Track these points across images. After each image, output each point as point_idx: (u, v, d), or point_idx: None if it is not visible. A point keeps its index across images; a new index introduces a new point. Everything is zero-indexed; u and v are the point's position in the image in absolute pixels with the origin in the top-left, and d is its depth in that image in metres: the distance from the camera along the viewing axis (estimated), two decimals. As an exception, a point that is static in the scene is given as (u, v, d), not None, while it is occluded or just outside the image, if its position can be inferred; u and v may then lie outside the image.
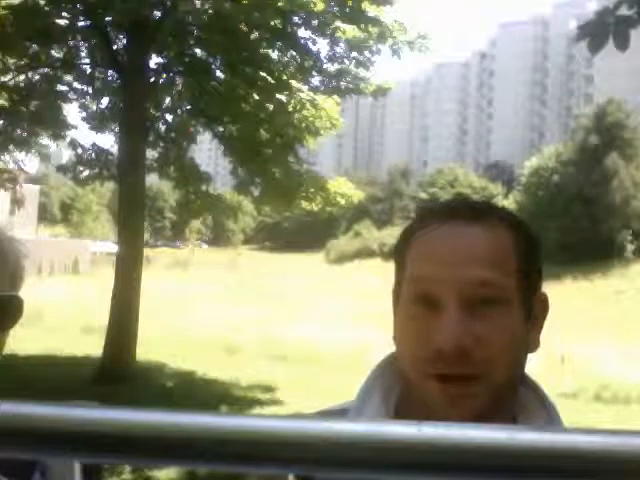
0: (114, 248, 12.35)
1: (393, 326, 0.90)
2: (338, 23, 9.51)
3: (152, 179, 14.58)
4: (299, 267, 50.62)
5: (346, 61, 10.20)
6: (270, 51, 10.12)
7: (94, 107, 11.41)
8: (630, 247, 45.76)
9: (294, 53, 10.20)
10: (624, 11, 3.92)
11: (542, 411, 0.89)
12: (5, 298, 0.98)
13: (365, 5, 9.28)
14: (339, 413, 0.94)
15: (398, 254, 0.90)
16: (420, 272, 0.83)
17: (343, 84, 10.41)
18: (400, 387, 0.92)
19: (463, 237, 0.84)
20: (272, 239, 79.61)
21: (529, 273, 0.86)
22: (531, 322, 0.86)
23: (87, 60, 10.85)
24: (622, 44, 3.77)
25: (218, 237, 78.64)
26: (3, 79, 10.43)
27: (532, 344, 0.87)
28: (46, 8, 9.07)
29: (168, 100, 11.32)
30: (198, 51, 10.58)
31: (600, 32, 3.79)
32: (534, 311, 0.87)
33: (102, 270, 29.70)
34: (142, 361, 10.22)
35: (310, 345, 13.65)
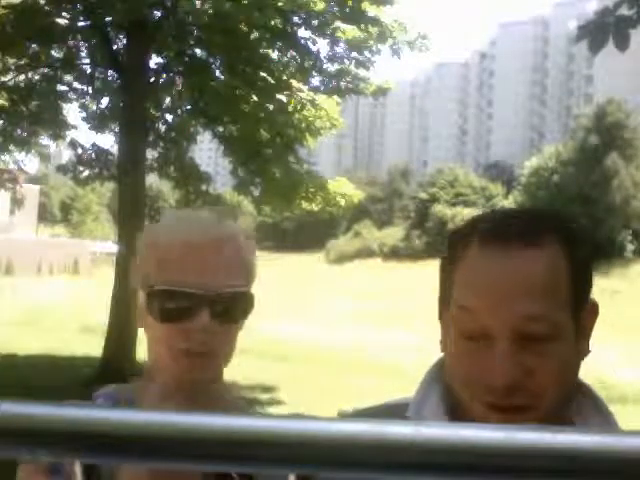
0: (114, 248, 12.34)
1: (441, 332, 0.89)
2: (338, 23, 9.51)
3: (152, 179, 14.58)
4: (299, 267, 50.61)
5: (346, 61, 10.20)
6: (270, 51, 10.12)
7: (94, 107, 11.41)
8: (630, 247, 45.74)
9: (294, 53, 10.20)
10: (624, 11, 3.92)
11: (598, 417, 0.87)
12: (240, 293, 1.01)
13: (365, 5, 9.28)
14: (398, 408, 0.94)
15: (449, 260, 0.86)
16: (471, 303, 0.81)
17: (343, 84, 10.41)
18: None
19: (517, 267, 0.80)
20: (272, 239, 79.59)
21: (583, 294, 0.84)
22: (580, 331, 0.85)
23: (87, 60, 10.85)
24: (622, 44, 3.77)
25: (218, 237, 78.56)
26: (3, 79, 10.43)
27: (582, 352, 0.87)
28: (46, 8, 9.07)
29: (168, 100, 11.32)
30: (198, 51, 10.58)
31: (600, 32, 3.79)
32: (584, 321, 0.86)
33: (102, 270, 29.69)
34: (142, 361, 10.22)
35: (310, 345, 13.65)
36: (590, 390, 0.91)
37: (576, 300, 0.83)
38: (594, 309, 0.88)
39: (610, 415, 0.88)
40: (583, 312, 0.84)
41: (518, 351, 0.78)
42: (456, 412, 0.89)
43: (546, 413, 0.79)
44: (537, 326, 0.79)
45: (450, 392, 0.90)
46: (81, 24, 10.03)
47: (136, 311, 1.04)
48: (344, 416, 0.96)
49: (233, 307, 1.01)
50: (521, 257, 0.80)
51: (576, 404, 0.88)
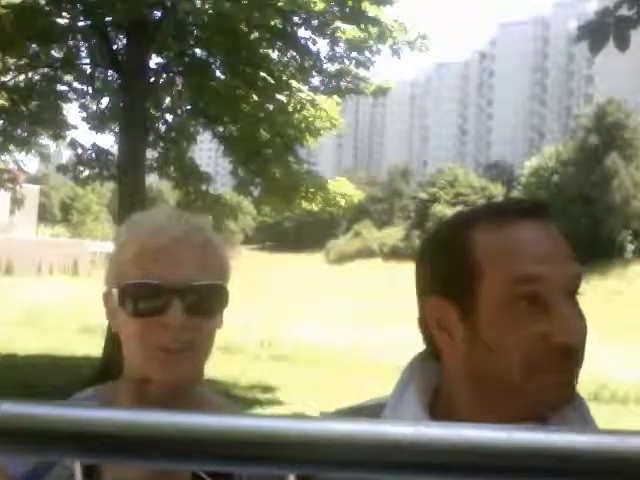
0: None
1: (423, 329, 0.91)
2: (338, 23, 9.50)
3: (152, 179, 14.57)
4: (299, 267, 50.62)
5: (346, 61, 10.19)
6: (270, 51, 10.11)
7: (94, 107, 11.40)
8: (630, 247, 45.76)
9: (294, 53, 10.19)
10: (624, 11, 3.92)
11: (575, 410, 0.89)
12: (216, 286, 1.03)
13: (365, 5, 9.27)
14: (374, 409, 0.95)
15: (452, 257, 0.87)
16: (526, 271, 0.82)
17: (343, 84, 10.40)
18: (436, 384, 0.93)
19: (546, 234, 0.86)
20: (272, 239, 79.58)
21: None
22: None
23: (87, 60, 10.84)
24: (622, 44, 3.77)
25: (218, 237, 78.53)
26: (3, 79, 10.43)
27: None
28: (46, 8, 9.06)
29: (168, 100, 11.32)
30: (198, 51, 10.57)
31: (600, 32, 3.79)
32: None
33: (102, 270, 29.67)
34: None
35: (310, 345, 13.66)
36: None
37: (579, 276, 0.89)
38: None
39: (587, 413, 0.89)
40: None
41: (577, 310, 0.84)
42: (439, 406, 0.90)
43: (574, 386, 0.86)
44: (579, 284, 0.86)
45: (431, 383, 0.92)
46: (81, 24, 10.03)
47: (108, 311, 1.05)
48: (325, 416, 0.96)
49: (206, 300, 1.01)
50: (543, 227, 0.86)
51: None
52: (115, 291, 1.01)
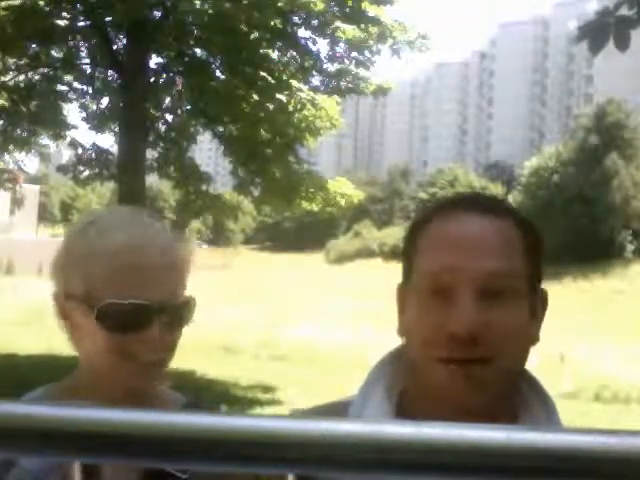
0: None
1: (398, 321, 0.92)
2: (338, 23, 9.50)
3: (152, 179, 14.56)
4: (299, 267, 50.62)
5: (346, 61, 10.19)
6: (270, 51, 10.11)
7: (94, 107, 11.40)
8: (630, 247, 45.75)
9: (294, 53, 10.19)
10: (624, 11, 3.92)
11: (542, 409, 0.90)
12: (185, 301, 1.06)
13: (365, 5, 9.27)
14: (341, 407, 0.96)
15: (405, 251, 0.92)
16: (434, 263, 0.85)
17: (343, 84, 10.40)
18: (403, 385, 0.93)
19: (475, 227, 0.86)
20: (272, 239, 79.57)
21: (535, 268, 0.89)
22: (532, 313, 0.89)
23: (87, 60, 10.84)
24: (622, 44, 3.77)
25: (218, 237, 78.62)
26: (3, 79, 10.42)
27: (533, 337, 0.90)
28: (46, 8, 9.06)
29: (168, 100, 11.32)
30: (198, 51, 10.57)
31: (600, 32, 3.79)
32: (536, 306, 0.90)
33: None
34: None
35: (310, 345, 13.65)
36: (537, 384, 0.94)
37: (529, 278, 0.88)
38: (545, 298, 0.94)
39: (554, 413, 0.91)
40: (535, 296, 0.90)
41: (480, 305, 0.82)
42: (407, 404, 0.91)
43: (503, 372, 0.84)
44: (496, 282, 0.84)
45: (400, 382, 0.93)
46: (81, 24, 10.03)
47: (59, 314, 1.06)
48: (295, 415, 0.97)
49: (180, 315, 1.04)
50: (481, 220, 0.87)
51: (521, 396, 0.91)
52: (82, 304, 1.01)
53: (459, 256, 0.84)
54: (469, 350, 0.81)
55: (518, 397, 0.91)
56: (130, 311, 0.98)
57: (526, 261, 0.87)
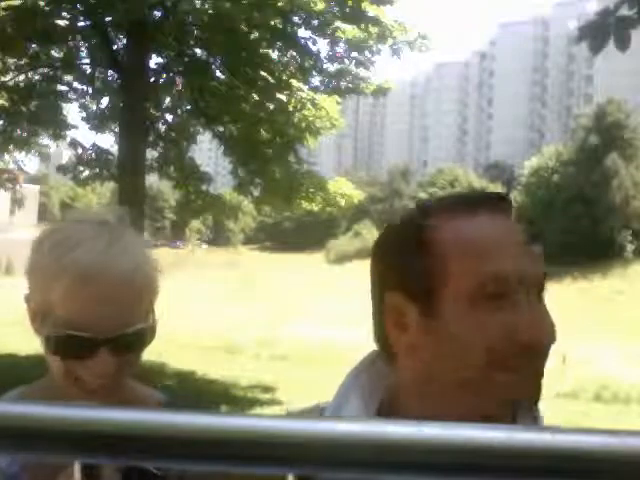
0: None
1: (398, 337, 0.85)
2: (338, 23, 9.50)
3: (152, 179, 14.56)
4: (299, 267, 50.61)
5: (346, 61, 10.20)
6: (270, 51, 10.11)
7: (94, 107, 11.41)
8: (630, 247, 45.75)
9: (294, 53, 10.19)
10: (624, 11, 3.92)
11: (525, 413, 0.87)
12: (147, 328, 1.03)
13: (365, 5, 9.27)
14: (317, 413, 0.92)
15: (407, 256, 0.83)
16: (495, 269, 0.79)
17: (343, 84, 10.40)
18: (383, 390, 0.89)
19: (516, 230, 0.83)
20: (272, 239, 79.57)
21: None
22: None
23: (87, 60, 10.84)
24: (622, 44, 3.77)
25: (218, 237, 78.63)
26: (3, 79, 10.42)
27: None
28: (46, 8, 9.06)
29: (168, 100, 11.32)
30: (198, 51, 10.57)
31: (601, 32, 3.79)
32: None
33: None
34: (142, 361, 10.21)
35: (311, 345, 13.66)
36: None
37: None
38: None
39: (538, 414, 0.87)
40: None
41: (541, 304, 0.82)
42: (389, 411, 0.86)
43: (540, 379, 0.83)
44: (544, 281, 0.83)
45: (381, 386, 0.88)
46: (81, 24, 10.03)
47: (31, 315, 1.03)
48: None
49: (134, 343, 1.02)
50: (510, 221, 0.84)
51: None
52: (41, 326, 1.00)
53: (516, 260, 0.80)
54: (543, 361, 0.81)
55: None
56: (77, 341, 0.96)
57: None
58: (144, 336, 1.03)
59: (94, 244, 0.98)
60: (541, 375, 0.82)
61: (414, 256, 0.83)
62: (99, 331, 0.96)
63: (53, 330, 0.97)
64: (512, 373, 0.79)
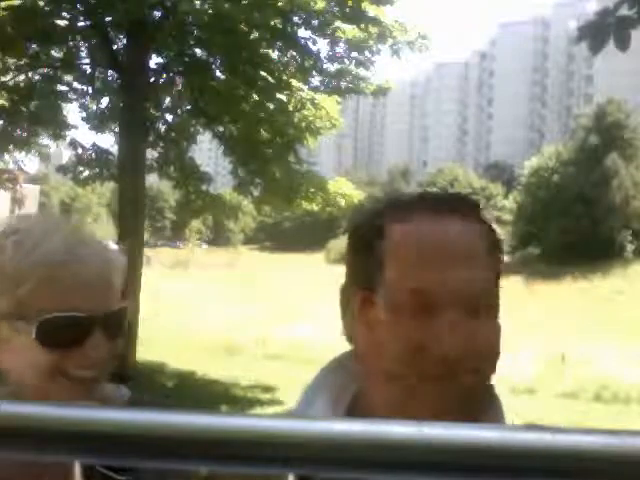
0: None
1: (350, 327, 0.86)
2: (338, 23, 9.51)
3: (152, 179, 14.56)
4: (299, 267, 50.61)
5: (346, 61, 10.20)
6: (270, 51, 10.11)
7: (94, 107, 11.41)
8: (630, 247, 45.74)
9: (294, 53, 10.20)
10: (624, 11, 3.92)
11: (492, 406, 0.86)
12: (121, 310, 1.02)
13: (365, 5, 9.28)
14: None
15: (366, 247, 0.83)
16: (417, 276, 0.78)
17: (343, 84, 10.41)
18: (354, 391, 0.87)
19: (458, 237, 0.79)
20: (272, 239, 79.58)
21: (499, 276, 0.83)
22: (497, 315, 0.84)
23: (87, 60, 10.84)
24: (622, 44, 3.78)
25: (218, 237, 78.63)
26: (3, 79, 10.42)
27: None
28: (46, 8, 9.06)
29: (168, 100, 11.32)
30: (198, 51, 10.57)
31: (600, 32, 3.79)
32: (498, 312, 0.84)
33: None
34: (142, 361, 10.23)
35: (311, 345, 13.65)
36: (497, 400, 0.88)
37: (496, 278, 0.82)
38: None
39: (499, 403, 0.86)
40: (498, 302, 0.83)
41: (467, 321, 0.77)
42: (360, 412, 0.84)
43: (485, 385, 0.80)
44: (483, 293, 0.79)
45: (350, 388, 0.86)
46: (81, 24, 10.03)
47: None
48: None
49: (120, 324, 1.01)
50: (460, 227, 0.80)
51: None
52: (22, 323, 0.96)
53: (445, 269, 0.77)
54: (455, 368, 0.76)
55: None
56: (69, 325, 0.94)
57: (500, 265, 0.82)
58: (126, 317, 1.03)
59: (57, 235, 0.98)
60: (465, 390, 0.77)
61: (362, 255, 0.83)
62: (89, 310, 0.95)
63: (40, 318, 0.94)
64: (430, 384, 0.77)
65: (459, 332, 0.76)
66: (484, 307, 0.79)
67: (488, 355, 0.79)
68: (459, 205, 0.82)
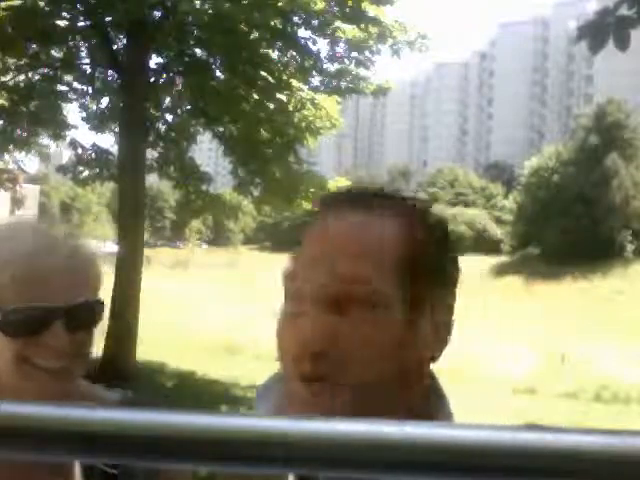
0: (114, 248, 12.36)
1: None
2: (338, 23, 9.51)
3: (152, 179, 14.56)
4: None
5: (346, 61, 10.20)
6: (270, 51, 10.11)
7: (94, 107, 11.41)
8: (630, 247, 45.76)
9: (294, 53, 10.20)
10: (624, 11, 3.92)
11: (438, 405, 0.83)
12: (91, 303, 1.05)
13: (365, 5, 9.28)
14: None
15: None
16: (290, 267, 0.78)
17: (343, 84, 10.41)
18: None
19: (340, 229, 0.77)
20: (272, 239, 79.58)
21: (424, 270, 0.77)
22: (426, 320, 0.78)
23: (87, 60, 10.84)
24: (622, 44, 3.78)
25: (218, 237, 78.63)
26: (3, 79, 10.42)
27: (435, 342, 0.80)
28: (46, 9, 9.06)
29: (168, 100, 11.32)
30: (198, 51, 10.57)
31: (600, 32, 3.79)
32: (436, 309, 0.79)
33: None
34: (142, 361, 10.23)
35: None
36: (434, 376, 0.85)
37: (415, 275, 0.76)
38: (451, 307, 0.83)
39: (446, 403, 0.83)
40: (433, 296, 0.78)
41: (328, 316, 0.74)
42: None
43: (361, 386, 0.74)
44: (353, 287, 0.73)
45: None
46: (81, 24, 10.03)
47: None
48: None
49: (86, 317, 1.03)
50: (350, 219, 0.77)
51: (422, 391, 0.82)
52: None
53: (312, 261, 0.76)
54: (315, 367, 0.73)
55: (414, 396, 0.81)
56: (33, 315, 0.98)
57: (409, 264, 0.76)
58: (94, 311, 1.05)
59: (23, 232, 1.03)
60: (317, 382, 0.74)
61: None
62: (49, 301, 0.98)
63: (2, 310, 0.98)
64: (307, 385, 0.74)
65: (309, 329, 0.73)
66: (356, 303, 0.74)
67: (346, 358, 0.73)
68: (373, 203, 0.79)
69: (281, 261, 0.80)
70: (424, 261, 0.77)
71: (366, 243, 0.76)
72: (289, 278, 0.78)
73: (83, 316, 1.03)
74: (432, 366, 0.83)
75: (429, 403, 0.83)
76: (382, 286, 0.74)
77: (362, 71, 10.28)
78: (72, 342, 1.01)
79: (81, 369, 1.05)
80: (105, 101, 11.37)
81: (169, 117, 11.57)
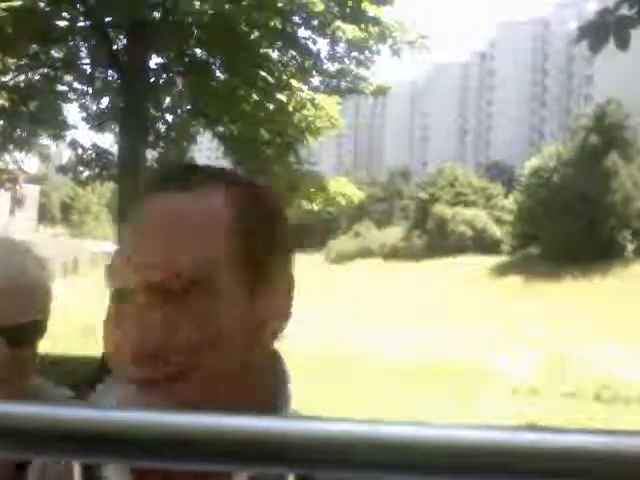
0: (114, 248, 12.36)
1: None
2: (338, 23, 9.51)
3: (152, 179, 14.48)
4: (299, 267, 50.55)
5: (346, 61, 10.21)
6: (270, 51, 10.12)
7: (94, 107, 11.42)
8: (630, 247, 45.73)
9: (294, 53, 10.20)
10: (624, 11, 3.92)
11: (280, 390, 0.81)
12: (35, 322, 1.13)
13: (365, 5, 9.28)
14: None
15: None
16: (112, 262, 0.72)
17: (343, 84, 10.42)
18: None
19: (160, 215, 0.72)
20: (272, 239, 79.43)
21: (252, 244, 0.73)
22: (261, 297, 0.74)
23: (87, 60, 10.85)
24: (622, 44, 3.78)
25: (218, 237, 78.52)
26: (3, 79, 10.43)
27: (271, 320, 0.76)
28: (46, 9, 9.06)
29: (168, 100, 11.32)
30: (198, 51, 10.57)
31: (600, 32, 3.79)
32: (273, 282, 0.75)
33: (102, 270, 29.63)
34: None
35: (310, 345, 13.66)
36: (281, 359, 0.82)
37: (248, 258, 0.72)
38: (288, 280, 0.80)
39: (286, 389, 0.82)
40: (268, 269, 0.74)
41: (155, 313, 0.68)
42: None
43: (206, 377, 0.68)
44: (177, 278, 0.68)
45: None
46: (81, 24, 10.03)
47: None
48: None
49: (29, 334, 1.11)
50: (170, 204, 0.72)
51: (267, 373, 0.80)
52: None
53: (132, 252, 0.70)
54: (142, 369, 0.67)
55: (258, 378, 0.78)
56: None
57: (239, 241, 0.71)
58: (38, 329, 1.13)
59: None
60: (158, 383, 0.68)
61: None
62: None
63: None
64: (125, 385, 0.69)
65: (134, 330, 0.68)
66: (182, 294, 0.68)
67: (184, 352, 0.68)
68: (190, 181, 0.73)
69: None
70: (251, 235, 0.73)
71: (182, 226, 0.70)
72: (110, 275, 0.72)
73: (24, 335, 1.10)
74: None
75: (271, 387, 0.81)
76: (206, 268, 0.69)
77: (362, 71, 10.29)
78: (13, 357, 1.08)
79: (22, 380, 1.12)
80: (105, 101, 11.39)
81: (169, 117, 11.58)
